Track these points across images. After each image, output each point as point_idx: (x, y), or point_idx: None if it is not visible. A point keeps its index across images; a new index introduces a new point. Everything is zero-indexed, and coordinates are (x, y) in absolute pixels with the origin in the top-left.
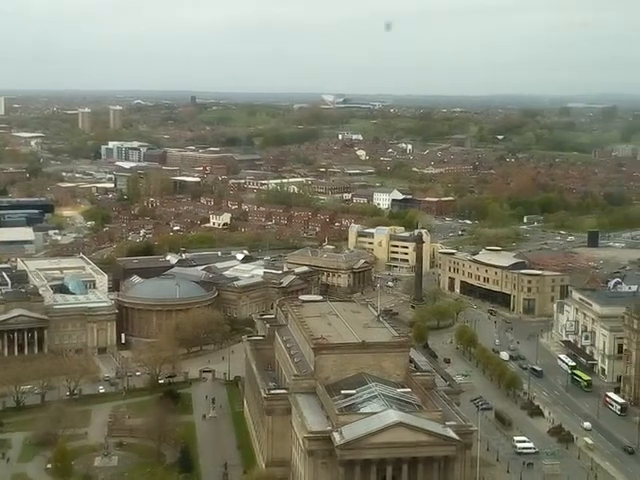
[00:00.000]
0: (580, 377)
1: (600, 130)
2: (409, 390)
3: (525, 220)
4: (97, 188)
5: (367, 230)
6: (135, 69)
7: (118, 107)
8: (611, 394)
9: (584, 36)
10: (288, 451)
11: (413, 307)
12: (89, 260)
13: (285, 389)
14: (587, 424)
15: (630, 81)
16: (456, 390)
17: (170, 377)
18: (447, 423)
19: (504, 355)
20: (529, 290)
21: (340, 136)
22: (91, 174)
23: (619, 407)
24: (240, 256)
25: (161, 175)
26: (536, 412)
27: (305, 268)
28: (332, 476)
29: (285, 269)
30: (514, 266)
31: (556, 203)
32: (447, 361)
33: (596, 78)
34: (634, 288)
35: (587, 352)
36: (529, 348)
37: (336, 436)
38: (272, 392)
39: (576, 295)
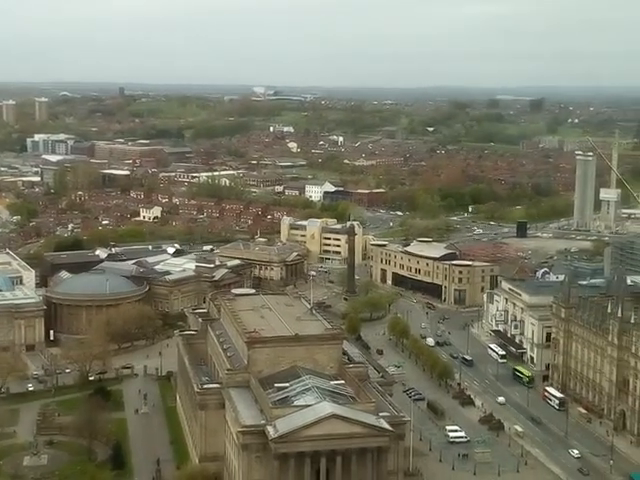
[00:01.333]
0: (522, 373)
1: (528, 122)
2: (342, 382)
3: (471, 210)
4: (23, 182)
5: (299, 223)
6: (59, 60)
7: (44, 99)
8: (550, 389)
9: (512, 28)
10: (222, 446)
11: (346, 299)
12: (15, 256)
13: (218, 383)
14: (501, 399)
15: (556, 73)
16: (389, 381)
17: (101, 374)
18: (380, 414)
19: (430, 341)
20: (460, 281)
21: (271, 128)
22: (16, 167)
23: (557, 402)
24: (171, 250)
25: (89, 168)
26: (467, 401)
27: (237, 261)
28: (266, 470)
29: (217, 263)
30: (445, 257)
31: (485, 194)
32: (380, 352)
33: (523, 70)
34: (561, 277)
35: (516, 341)
36: (460, 338)
37: (270, 429)
38: (205, 387)
39: (505, 285)
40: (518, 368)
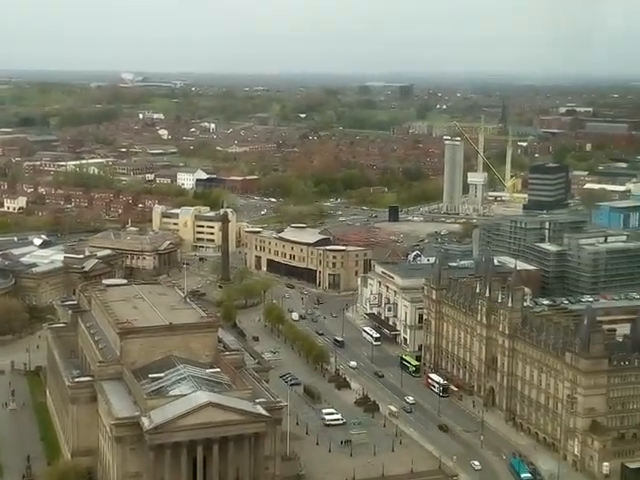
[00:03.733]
0: (409, 362)
1: (398, 108)
2: (218, 370)
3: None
4: None
5: (172, 211)
6: None
7: None
8: (433, 375)
9: (380, 15)
10: (95, 440)
11: (220, 287)
12: None
13: (90, 376)
14: (353, 363)
15: (425, 60)
16: (265, 367)
17: None
18: (257, 400)
19: (295, 315)
20: (334, 265)
21: (141, 115)
22: None
23: (440, 388)
24: (38, 241)
25: None
26: (343, 384)
27: (108, 252)
28: (142, 461)
29: (87, 253)
30: (319, 242)
31: (358, 179)
32: (256, 339)
33: (393, 56)
34: (432, 260)
35: (390, 323)
36: (335, 322)
37: (145, 421)
38: (76, 380)
39: (379, 269)
40: (405, 357)
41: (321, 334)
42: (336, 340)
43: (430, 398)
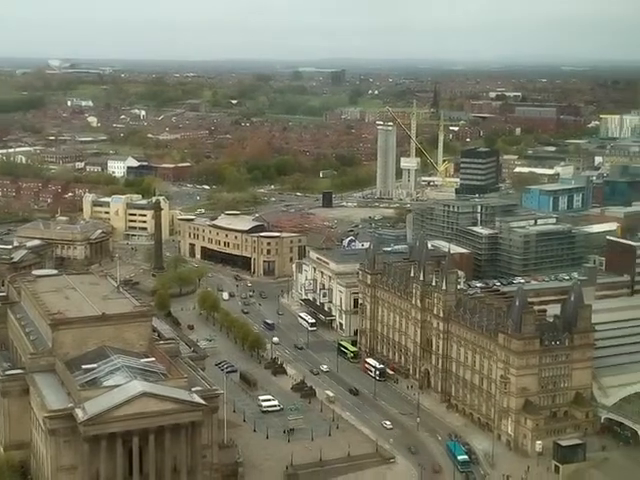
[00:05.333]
0: (346, 348)
1: (330, 94)
2: (153, 359)
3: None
4: None
5: (103, 199)
6: None
7: None
8: (370, 360)
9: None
10: (28, 433)
11: (154, 275)
12: None
13: (22, 369)
14: (276, 339)
15: (357, 45)
16: (201, 355)
17: None
18: (193, 389)
19: (225, 295)
20: (268, 252)
21: (69, 102)
22: None
23: (377, 372)
24: None
25: None
26: (279, 370)
27: (38, 242)
28: (76, 454)
29: (16, 244)
30: (253, 229)
31: (291, 166)
32: (191, 327)
33: (325, 43)
34: (367, 245)
35: (326, 309)
36: (271, 308)
37: (78, 412)
38: (7, 373)
39: (313, 255)
40: (343, 343)
41: (246, 312)
42: (266, 323)
43: (367, 382)
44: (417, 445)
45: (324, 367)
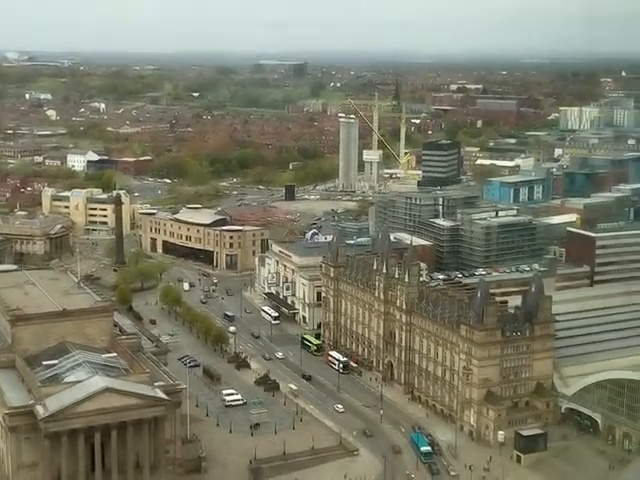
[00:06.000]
0: (310, 342)
1: (292, 86)
2: (115, 355)
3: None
4: None
5: (62, 194)
6: None
7: None
8: (333, 353)
9: None
10: None
11: (115, 270)
12: None
13: None
14: (232, 328)
15: (324, 38)
16: (163, 350)
17: None
18: (155, 384)
19: (185, 285)
20: (231, 246)
21: (27, 96)
22: None
23: (340, 365)
24: None
25: None
26: (243, 364)
27: None
28: (37, 450)
29: None
30: (215, 223)
31: (253, 159)
32: (153, 322)
33: (286, 35)
34: (329, 238)
35: (289, 302)
36: (234, 301)
37: (39, 409)
38: None
39: (276, 248)
40: (306, 337)
41: (204, 302)
42: (226, 315)
43: (330, 375)
44: (373, 430)
45: (279, 354)
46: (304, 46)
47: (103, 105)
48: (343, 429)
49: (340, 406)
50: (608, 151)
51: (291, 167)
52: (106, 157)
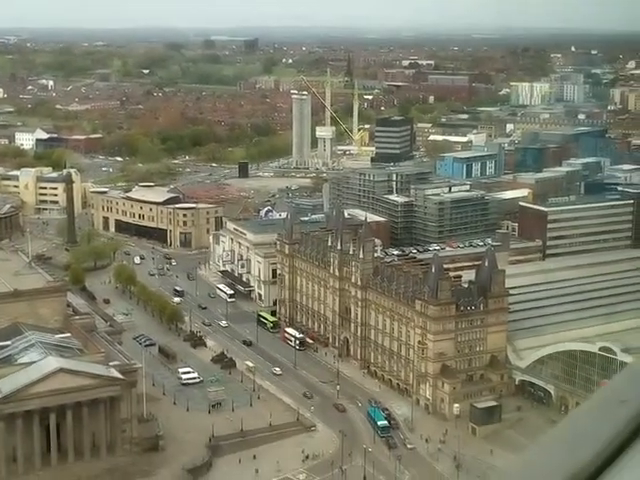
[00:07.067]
0: (266, 319)
1: (243, 62)
2: (69, 335)
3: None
4: None
5: (11, 173)
6: None
7: None
8: (289, 329)
9: None
10: None
11: (67, 250)
12: None
13: None
14: (177, 299)
15: (270, 13)
16: (118, 330)
17: None
18: (110, 364)
19: (137, 259)
20: (185, 224)
21: None
22: None
23: (297, 341)
24: None
25: None
26: (199, 342)
27: None
28: None
29: None
30: (168, 201)
31: (206, 136)
32: (107, 301)
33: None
34: (284, 215)
35: (244, 280)
36: (189, 281)
37: None
38: None
39: (230, 225)
40: (262, 314)
41: (152, 275)
42: (176, 290)
43: (287, 352)
44: (311, 390)
45: (223, 323)
46: (255, 22)
47: (51, 82)
48: (300, 405)
49: (277, 369)
50: (559, 126)
51: (259, 142)
52: (55, 135)
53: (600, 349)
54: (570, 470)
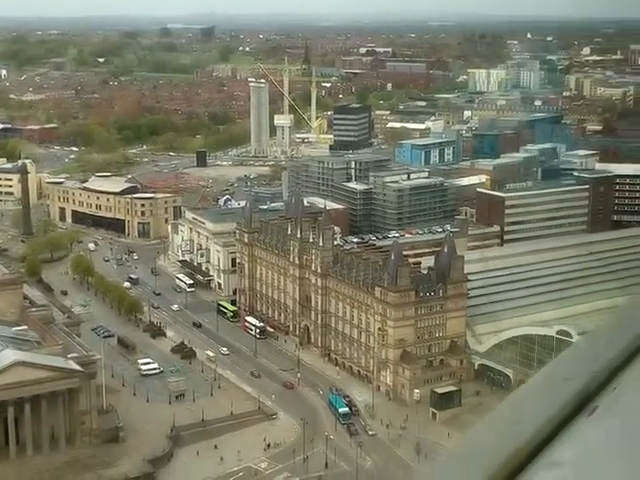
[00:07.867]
0: (226, 308)
1: (200, 51)
2: (26, 327)
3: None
4: None
5: None
6: None
7: None
8: (249, 318)
9: None
10: None
11: (23, 241)
12: None
13: None
14: (127, 284)
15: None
16: (76, 321)
17: None
18: (69, 356)
19: (91, 246)
20: (143, 214)
21: None
22: None
23: (257, 330)
24: None
25: None
26: (158, 333)
27: None
28: None
29: None
30: (126, 191)
31: (163, 125)
32: (64, 293)
33: None
34: (243, 203)
35: (203, 269)
36: (148, 271)
37: None
38: None
39: (189, 215)
40: (222, 303)
41: (107, 261)
42: (130, 278)
43: (248, 341)
44: (299, 399)
45: (175, 307)
46: (211, 9)
47: (4, 71)
48: (261, 394)
49: (225, 349)
50: (515, 112)
51: (202, 133)
52: (9, 125)
53: (557, 332)
54: (513, 445)
